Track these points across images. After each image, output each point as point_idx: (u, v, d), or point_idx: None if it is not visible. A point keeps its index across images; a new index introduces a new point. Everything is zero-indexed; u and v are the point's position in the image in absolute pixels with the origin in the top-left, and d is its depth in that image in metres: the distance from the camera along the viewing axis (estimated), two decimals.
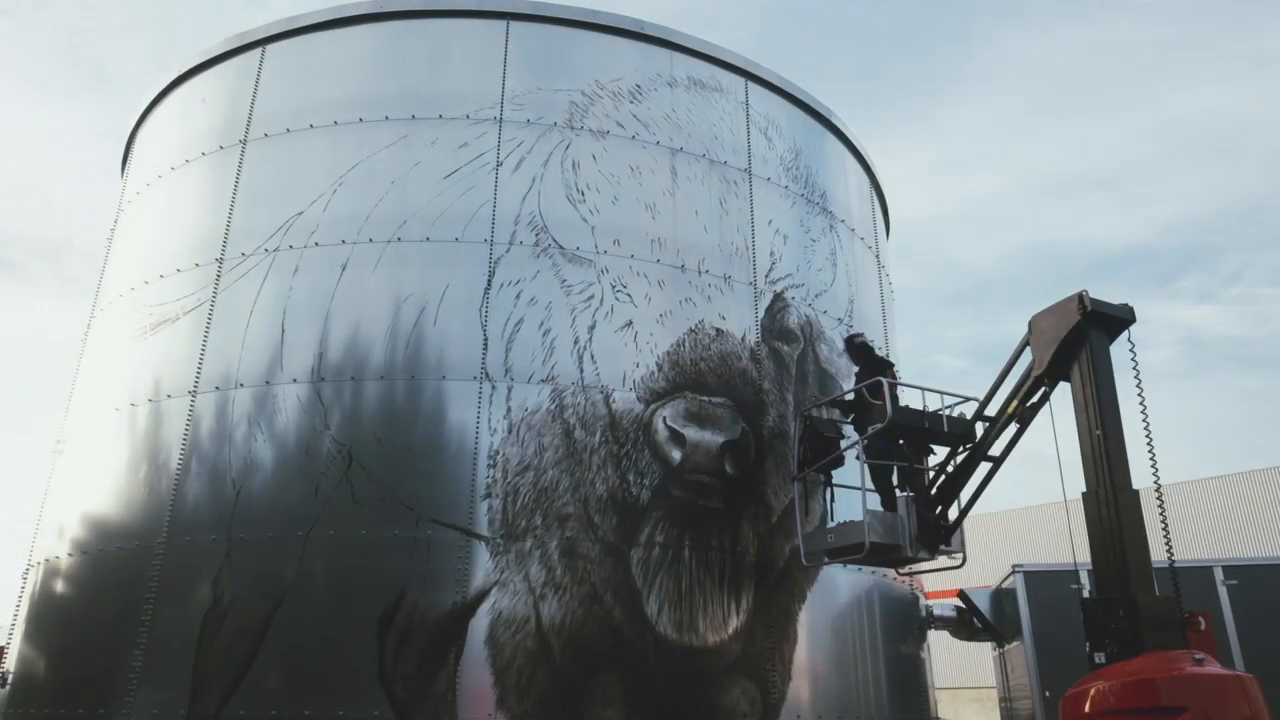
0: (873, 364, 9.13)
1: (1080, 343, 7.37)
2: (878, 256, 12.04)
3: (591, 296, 8.46)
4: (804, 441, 8.73)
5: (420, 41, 9.52)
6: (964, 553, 8.39)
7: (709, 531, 8.10)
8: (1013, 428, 7.93)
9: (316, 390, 7.97)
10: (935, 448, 8.49)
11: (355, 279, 8.33)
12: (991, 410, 8.07)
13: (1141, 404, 7.14)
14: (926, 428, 8.07)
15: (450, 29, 9.52)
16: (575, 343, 8.25)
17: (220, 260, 8.89)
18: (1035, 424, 7.93)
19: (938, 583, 11.58)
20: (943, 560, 8.55)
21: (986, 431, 8.04)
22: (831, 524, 8.53)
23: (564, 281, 8.45)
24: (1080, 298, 7.32)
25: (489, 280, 8.31)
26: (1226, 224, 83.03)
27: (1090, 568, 7.26)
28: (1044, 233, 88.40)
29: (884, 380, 8.17)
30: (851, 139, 11.83)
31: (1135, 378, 7.28)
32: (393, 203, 8.58)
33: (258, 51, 9.97)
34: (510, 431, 7.82)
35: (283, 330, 8.29)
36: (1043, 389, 7.76)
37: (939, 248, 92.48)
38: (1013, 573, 11.37)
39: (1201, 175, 79.37)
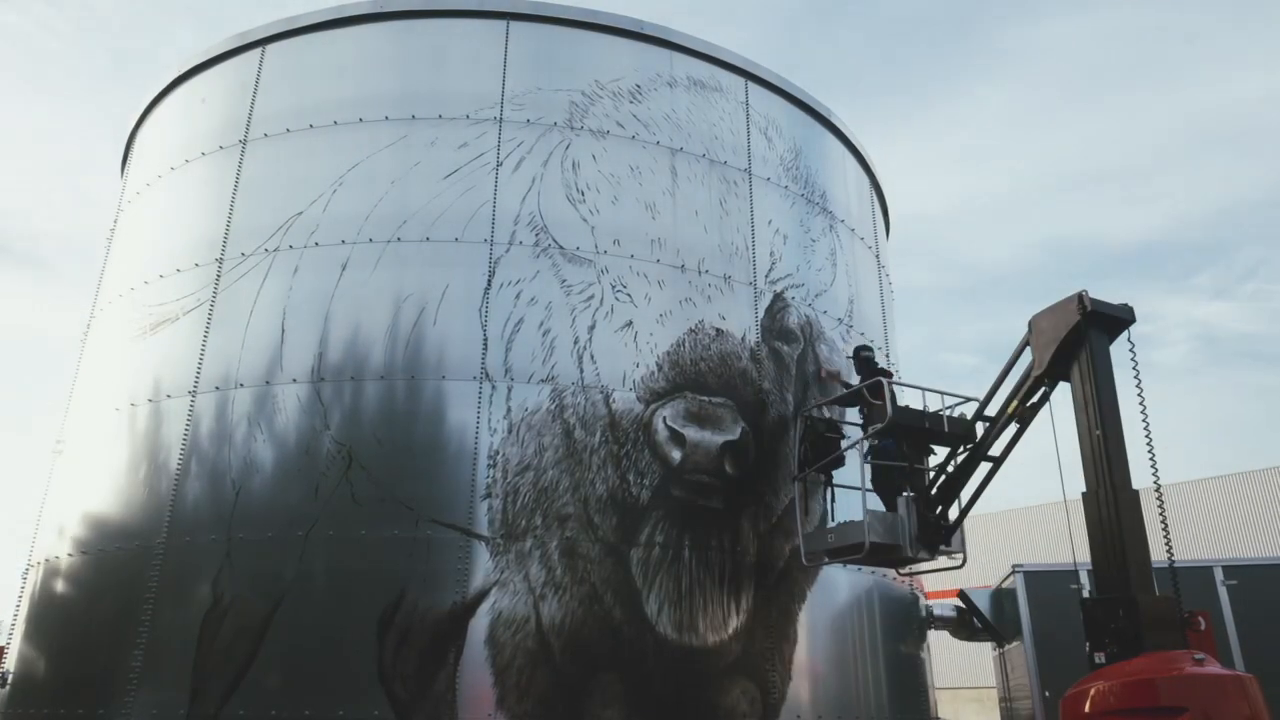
0: (873, 374, 9.15)
1: (1080, 343, 7.37)
2: (878, 256, 12.05)
3: (591, 296, 8.46)
4: (804, 441, 8.74)
5: (420, 41, 9.52)
6: (964, 553, 8.39)
7: (709, 531, 8.10)
8: (1013, 428, 7.94)
9: (316, 390, 7.97)
10: (935, 448, 8.50)
11: (355, 279, 8.33)
12: (992, 410, 8.08)
13: (1141, 404, 7.15)
14: (926, 428, 8.07)
15: (450, 29, 9.52)
16: (575, 343, 8.25)
17: (220, 260, 8.89)
18: (1035, 424, 7.94)
19: (938, 583, 11.59)
20: (943, 560, 8.55)
21: (986, 432, 8.05)
22: (831, 524, 8.53)
23: (564, 281, 8.45)
24: (1080, 297, 7.33)
25: (489, 280, 8.31)
26: (1242, 218, 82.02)
27: (1090, 568, 7.26)
28: (1058, 227, 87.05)
29: (884, 381, 8.18)
30: (851, 139, 11.84)
31: (1135, 378, 7.28)
32: (392, 203, 8.59)
33: (258, 51, 9.98)
34: (510, 431, 7.82)
35: (283, 330, 8.29)
36: (1043, 389, 7.77)
37: (951, 243, 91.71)
38: (1013, 573, 11.37)
39: (1219, 168, 78.27)
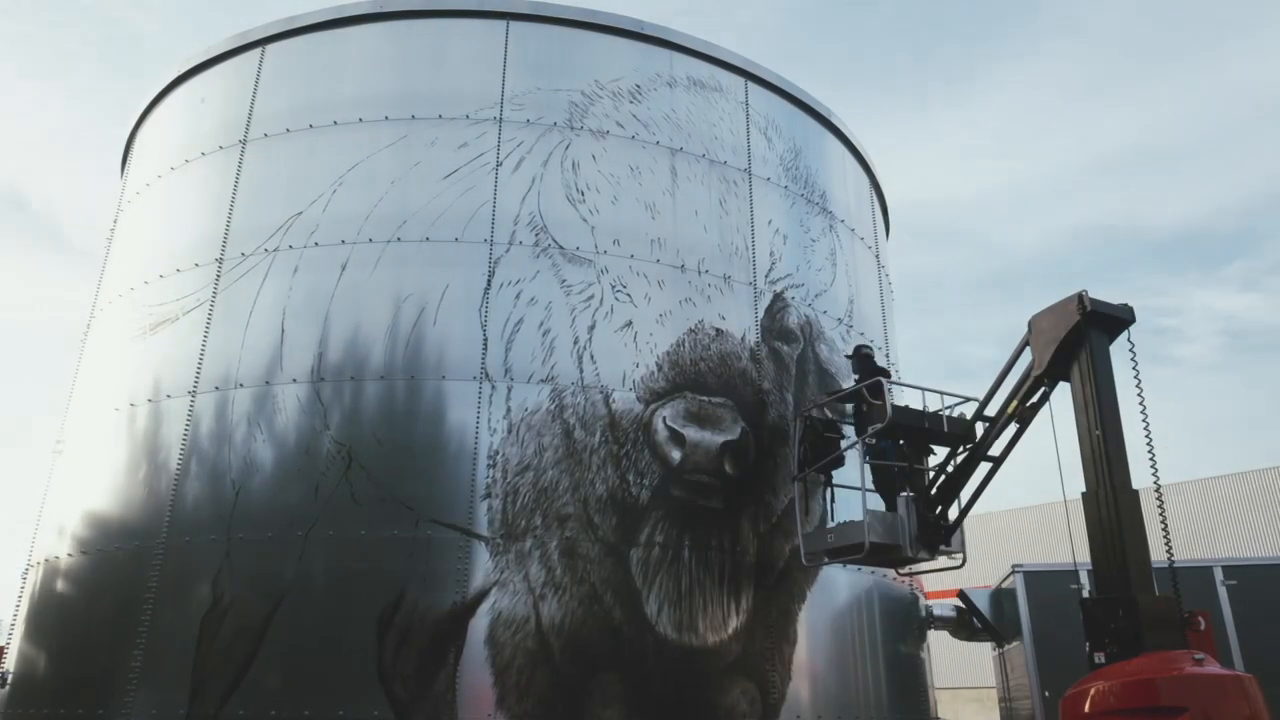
0: (872, 372, 9.15)
1: (1080, 343, 7.38)
2: (877, 256, 12.05)
3: (591, 296, 8.46)
4: (804, 441, 8.73)
5: (420, 41, 9.52)
6: (964, 553, 8.39)
7: (709, 531, 8.10)
8: (1013, 428, 7.94)
9: (316, 390, 7.97)
10: (935, 448, 8.50)
11: (355, 279, 8.33)
12: (991, 410, 8.08)
13: (1141, 404, 7.15)
14: (926, 428, 8.07)
15: (450, 29, 9.52)
16: (575, 343, 8.25)
17: (220, 260, 8.89)
18: (1035, 424, 7.94)
19: (938, 583, 11.59)
20: (943, 560, 8.55)
21: (986, 432, 8.05)
22: (831, 524, 8.53)
23: (564, 281, 8.45)
24: (1080, 298, 7.33)
25: (489, 280, 8.31)
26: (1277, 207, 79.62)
27: (1090, 568, 7.26)
28: (1090, 215, 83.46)
29: (883, 381, 8.18)
30: (851, 139, 11.84)
31: (1135, 377, 7.29)
32: (392, 203, 8.59)
33: (258, 51, 9.98)
34: (510, 431, 7.82)
35: (282, 330, 8.29)
36: (1042, 389, 7.77)
37: (979, 230, 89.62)
38: (1013, 573, 11.37)
39: (1260, 154, 75.32)
